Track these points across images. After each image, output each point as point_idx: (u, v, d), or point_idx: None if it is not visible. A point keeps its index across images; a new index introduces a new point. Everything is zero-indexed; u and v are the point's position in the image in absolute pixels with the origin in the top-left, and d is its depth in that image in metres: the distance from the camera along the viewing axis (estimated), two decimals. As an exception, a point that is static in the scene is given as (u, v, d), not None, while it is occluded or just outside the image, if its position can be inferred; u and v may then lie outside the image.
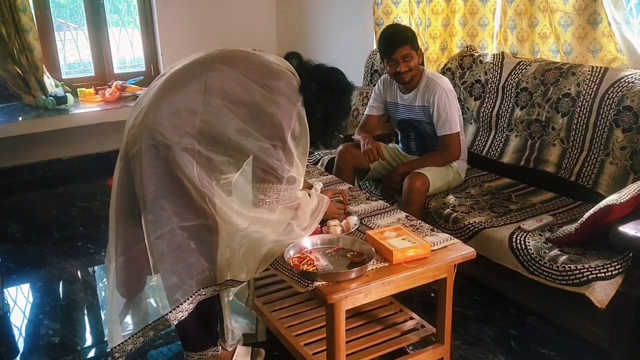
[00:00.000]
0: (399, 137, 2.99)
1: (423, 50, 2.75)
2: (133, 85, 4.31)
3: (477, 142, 3.06)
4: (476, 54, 3.16)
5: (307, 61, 1.99)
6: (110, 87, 4.26)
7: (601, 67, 2.57)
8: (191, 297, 1.79)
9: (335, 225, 2.09)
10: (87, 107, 4.13)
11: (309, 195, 2.02)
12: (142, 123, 1.71)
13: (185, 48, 4.57)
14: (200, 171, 1.72)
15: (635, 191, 2.03)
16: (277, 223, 1.88)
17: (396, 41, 2.61)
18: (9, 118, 3.91)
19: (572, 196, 2.61)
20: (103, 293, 2.76)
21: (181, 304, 1.78)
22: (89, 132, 4.20)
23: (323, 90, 1.89)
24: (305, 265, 1.83)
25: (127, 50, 4.66)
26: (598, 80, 2.53)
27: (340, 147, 2.92)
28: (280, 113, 1.78)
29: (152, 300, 1.93)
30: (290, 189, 1.85)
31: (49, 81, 4.11)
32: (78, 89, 4.28)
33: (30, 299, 2.75)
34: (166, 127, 1.69)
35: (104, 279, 2.87)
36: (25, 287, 2.86)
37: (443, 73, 3.18)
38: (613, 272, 1.98)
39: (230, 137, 1.73)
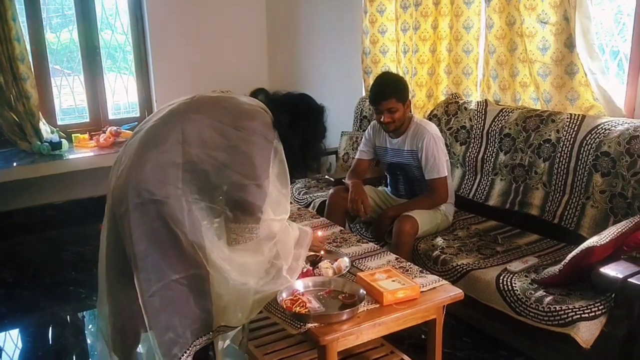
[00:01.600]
0: (388, 180, 3.08)
1: (410, 98, 2.86)
2: (127, 131, 4.40)
3: (463, 186, 3.16)
4: (461, 101, 3.29)
5: (275, 93, 2.06)
6: (105, 133, 4.35)
7: (579, 115, 2.70)
8: (188, 350, 1.80)
9: (327, 267, 2.15)
10: (82, 153, 4.20)
11: (291, 227, 2.04)
12: (126, 182, 1.74)
13: (179, 93, 4.62)
14: (189, 221, 1.74)
15: (615, 233, 2.12)
16: (259, 266, 1.89)
17: (382, 93, 2.74)
18: (4, 164, 3.96)
19: (556, 238, 2.69)
20: (92, 338, 2.76)
21: (179, 359, 1.79)
22: (83, 177, 4.25)
23: (296, 119, 1.94)
24: (298, 307, 1.88)
25: (121, 95, 4.77)
26: (576, 127, 2.66)
27: (331, 191, 3.00)
28: (257, 152, 1.82)
29: (144, 355, 1.93)
30: (265, 226, 1.85)
31: (44, 127, 4.19)
32: (73, 135, 4.35)
33: (22, 344, 2.75)
34: (152, 183, 1.72)
35: (91, 325, 2.88)
36: (17, 332, 2.85)
37: (430, 119, 3.31)
38: (597, 313, 2.04)
39: (212, 182, 1.77)
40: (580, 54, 2.69)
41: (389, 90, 2.74)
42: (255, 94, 2.04)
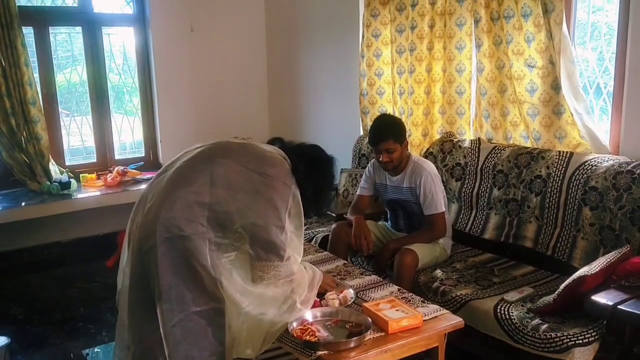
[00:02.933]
0: (388, 215, 3.22)
1: (407, 137, 3.03)
2: (133, 170, 4.54)
3: (460, 220, 3.30)
4: (455, 140, 3.47)
5: (289, 142, 2.24)
6: (112, 172, 4.49)
7: (567, 152, 2.87)
8: None
9: (334, 299, 2.27)
10: (89, 192, 4.32)
11: (305, 267, 2.19)
12: (155, 218, 1.88)
13: (183, 135, 4.90)
14: (210, 257, 1.88)
15: (605, 263, 2.25)
16: (276, 298, 2.02)
17: (381, 134, 2.90)
18: (14, 204, 4.07)
19: (549, 269, 2.82)
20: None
21: None
22: (90, 216, 4.36)
23: (310, 168, 2.13)
24: (308, 336, 1.99)
25: (127, 135, 4.93)
26: (565, 163, 2.82)
27: (334, 226, 3.13)
28: (277, 196, 1.99)
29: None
30: (287, 265, 2.00)
31: (53, 168, 4.32)
32: (81, 175, 4.49)
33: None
34: (181, 220, 1.86)
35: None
36: (29, 368, 2.93)
37: (426, 157, 3.47)
38: (590, 339, 2.16)
39: (235, 221, 1.91)
40: (566, 95, 2.87)
41: (386, 132, 2.90)
42: (272, 142, 2.22)
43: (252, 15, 5.17)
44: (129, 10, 4.74)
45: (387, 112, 3.89)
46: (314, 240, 3.45)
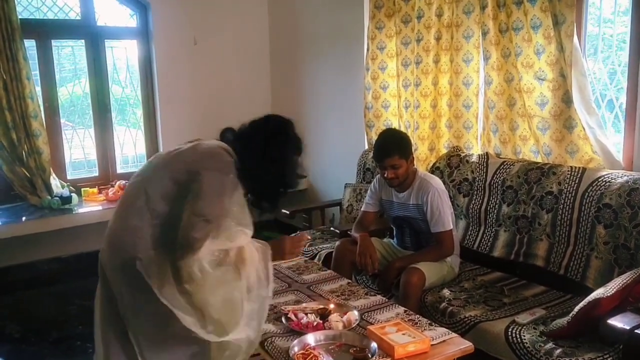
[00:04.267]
0: (394, 232, 3.13)
1: (413, 152, 2.95)
2: (135, 184, 4.46)
3: (467, 237, 3.20)
4: (462, 154, 3.38)
5: (241, 125, 2.12)
6: (114, 187, 4.42)
7: (580, 168, 2.77)
8: None
9: (337, 321, 2.17)
10: (90, 206, 4.26)
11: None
12: (108, 245, 1.83)
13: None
14: (161, 279, 1.74)
15: (621, 285, 2.15)
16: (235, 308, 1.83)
17: (386, 150, 2.82)
18: (14, 219, 4.01)
19: (562, 289, 2.71)
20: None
21: None
22: (90, 231, 4.27)
23: (269, 139, 1.99)
24: (310, 362, 1.90)
25: (129, 148, 4.88)
26: (577, 179, 2.73)
27: (338, 243, 3.05)
28: (208, 189, 1.79)
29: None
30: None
31: (54, 182, 4.26)
32: (82, 189, 4.42)
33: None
34: (129, 244, 1.77)
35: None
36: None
37: (432, 172, 3.39)
38: (606, 365, 2.05)
39: (177, 230, 1.75)
40: (578, 109, 2.79)
41: (392, 147, 2.82)
42: (223, 134, 2.14)
43: (256, 28, 5.13)
44: (133, 23, 4.70)
45: (393, 126, 3.83)
46: (317, 257, 3.36)
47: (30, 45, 4.21)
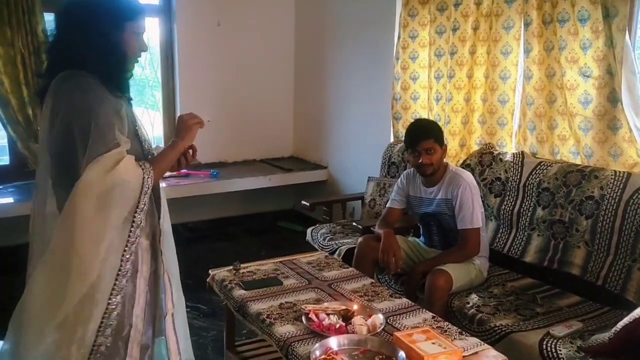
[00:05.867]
0: (421, 230, 2.98)
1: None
2: (151, 167, 4.36)
3: (497, 240, 3.04)
4: (496, 152, 3.21)
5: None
6: (129, 168, 4.31)
7: (624, 172, 2.60)
8: None
9: (361, 325, 2.04)
10: (105, 187, 4.15)
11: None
12: None
13: (204, 131, 4.65)
14: None
15: (671, 301, 1.99)
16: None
17: (421, 134, 2.69)
18: (28, 196, 3.91)
19: (599, 300, 2.55)
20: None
21: None
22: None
23: (67, 20, 1.74)
24: (333, 368, 1.77)
25: (147, 129, 4.76)
26: (622, 184, 2.55)
27: (360, 239, 2.91)
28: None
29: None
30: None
31: (69, 160, 4.16)
32: (97, 168, 4.32)
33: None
34: None
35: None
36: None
37: (462, 169, 3.22)
38: (651, 387, 1.89)
39: None
40: (626, 109, 2.60)
41: (427, 131, 2.71)
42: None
43: (282, 12, 4.97)
44: (155, 0, 4.57)
45: (421, 117, 3.67)
46: (337, 252, 3.22)
47: (49, 19, 4.10)
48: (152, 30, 4.62)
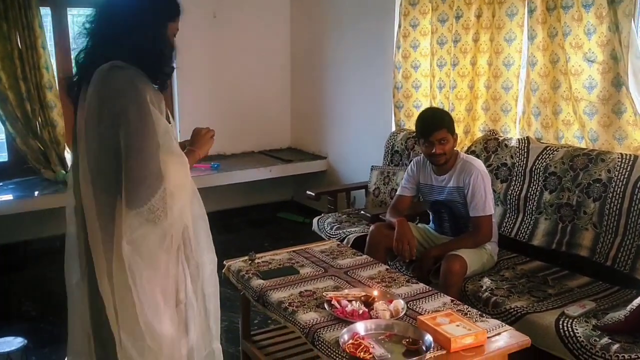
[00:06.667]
0: (431, 217, 3.01)
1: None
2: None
3: (505, 224, 3.09)
4: (500, 138, 3.25)
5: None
6: (130, 163, 4.28)
7: (631, 155, 2.65)
8: None
9: (384, 310, 2.07)
10: (106, 182, 4.12)
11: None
12: None
13: (202, 124, 4.65)
14: None
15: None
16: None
17: (434, 124, 2.70)
18: (27, 193, 3.88)
19: (608, 281, 2.61)
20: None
21: None
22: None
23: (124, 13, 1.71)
24: (362, 353, 1.80)
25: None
26: (629, 167, 2.61)
27: (372, 227, 2.93)
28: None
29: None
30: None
31: (69, 156, 4.13)
32: (96, 164, 4.28)
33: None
34: None
35: None
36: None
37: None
38: (668, 363, 1.95)
39: None
40: (633, 93, 2.65)
41: (440, 121, 2.72)
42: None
43: (278, 2, 4.96)
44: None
45: (423, 107, 3.70)
46: (345, 240, 3.24)
47: (45, 13, 4.04)
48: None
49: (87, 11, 1.82)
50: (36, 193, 3.89)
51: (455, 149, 2.82)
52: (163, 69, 1.75)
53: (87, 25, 1.74)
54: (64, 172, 4.01)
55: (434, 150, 2.70)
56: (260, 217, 5.02)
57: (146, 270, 1.69)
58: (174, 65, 1.81)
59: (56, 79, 4.04)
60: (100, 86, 1.66)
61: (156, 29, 1.72)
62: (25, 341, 2.50)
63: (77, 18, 4.32)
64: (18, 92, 3.85)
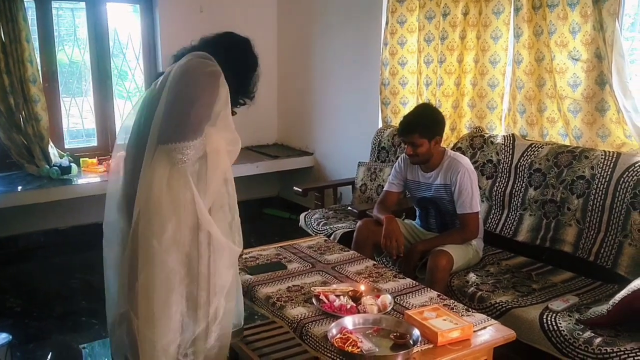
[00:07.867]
0: (418, 213, 3.03)
1: (441, 131, 2.83)
2: (137, 156, 4.30)
3: (490, 220, 3.12)
4: (486, 135, 3.28)
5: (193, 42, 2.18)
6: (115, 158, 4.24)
7: (614, 152, 2.69)
8: None
9: (372, 304, 2.08)
10: (90, 178, 4.08)
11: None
12: None
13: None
14: None
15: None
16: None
17: (406, 128, 2.76)
18: (10, 188, 3.83)
19: (591, 276, 2.65)
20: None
21: None
22: (89, 203, 4.12)
23: (226, 52, 2.04)
24: (350, 347, 1.81)
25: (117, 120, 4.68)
26: (612, 164, 2.65)
27: (360, 223, 2.94)
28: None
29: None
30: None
31: (52, 151, 4.08)
32: (81, 159, 4.24)
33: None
34: None
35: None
36: (30, 366, 2.72)
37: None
38: (648, 355, 1.99)
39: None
40: (615, 91, 2.69)
41: (413, 126, 2.74)
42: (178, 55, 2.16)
43: (264, -4, 4.94)
44: (136, -14, 4.49)
45: (410, 105, 3.74)
46: (332, 236, 3.26)
47: (29, 6, 3.99)
48: (133, 16, 4.54)
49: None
50: (19, 188, 3.84)
51: (442, 146, 2.84)
52: (243, 93, 2.15)
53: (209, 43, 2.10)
54: (48, 167, 3.97)
55: (406, 151, 2.78)
56: (246, 214, 4.99)
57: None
58: (246, 102, 2.24)
59: (40, 72, 3.99)
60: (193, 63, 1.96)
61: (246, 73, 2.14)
62: (10, 337, 2.47)
63: (61, 11, 4.27)
64: (1, 85, 3.81)
